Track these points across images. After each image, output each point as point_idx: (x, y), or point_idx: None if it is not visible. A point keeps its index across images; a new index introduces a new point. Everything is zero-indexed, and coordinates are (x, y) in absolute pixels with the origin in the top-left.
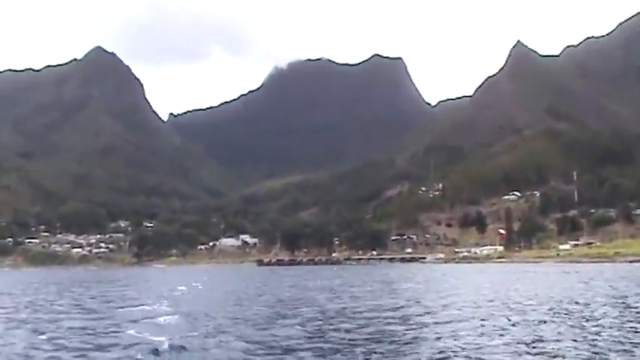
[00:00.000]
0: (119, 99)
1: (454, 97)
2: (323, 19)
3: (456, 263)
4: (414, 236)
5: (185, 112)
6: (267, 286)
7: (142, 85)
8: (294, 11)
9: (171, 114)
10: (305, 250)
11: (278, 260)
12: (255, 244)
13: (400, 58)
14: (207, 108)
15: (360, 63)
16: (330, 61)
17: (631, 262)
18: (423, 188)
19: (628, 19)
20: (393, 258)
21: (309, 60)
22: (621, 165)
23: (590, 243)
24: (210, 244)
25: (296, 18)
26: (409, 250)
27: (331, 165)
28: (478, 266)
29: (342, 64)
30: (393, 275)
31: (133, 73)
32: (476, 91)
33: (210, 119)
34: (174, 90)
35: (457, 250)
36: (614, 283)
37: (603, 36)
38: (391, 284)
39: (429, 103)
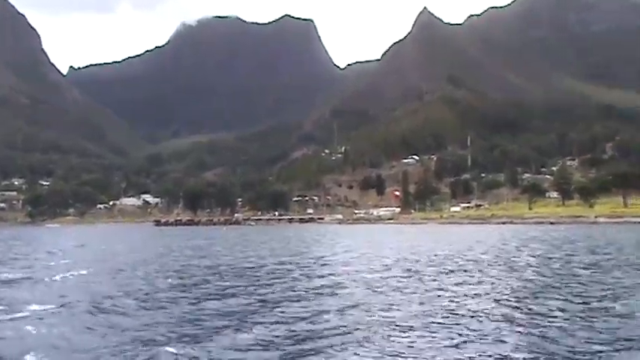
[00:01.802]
0: (13, 49)
1: (363, 61)
2: None
3: (349, 224)
4: (315, 198)
5: (87, 66)
6: (137, 247)
7: (38, 35)
8: None
9: (71, 67)
10: (208, 210)
11: (176, 220)
12: (157, 204)
13: (311, 20)
14: (110, 62)
15: (270, 22)
16: (239, 19)
17: (503, 223)
18: (327, 151)
19: None
20: (292, 219)
21: (219, 17)
22: (515, 132)
23: (480, 205)
24: (110, 203)
25: None
26: (310, 211)
27: (240, 126)
28: (368, 227)
29: (252, 23)
30: (271, 235)
31: (28, 22)
32: (383, 55)
33: (114, 74)
34: (74, 42)
35: (356, 211)
36: (455, 242)
37: (504, 7)
38: (258, 243)
39: (338, 66)
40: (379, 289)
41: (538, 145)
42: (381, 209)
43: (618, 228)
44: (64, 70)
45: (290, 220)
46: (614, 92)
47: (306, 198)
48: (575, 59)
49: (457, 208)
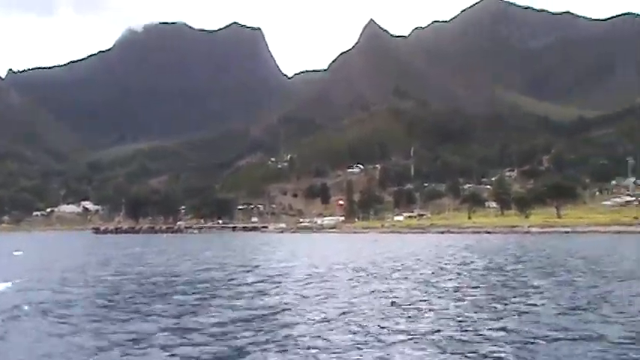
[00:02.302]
0: None
1: (310, 70)
2: None
3: (292, 233)
4: (260, 206)
5: (27, 70)
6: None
7: None
8: None
9: (10, 70)
10: (150, 218)
11: (116, 228)
12: (97, 211)
13: (259, 28)
14: (52, 66)
15: (218, 30)
16: (186, 25)
17: (442, 232)
18: (273, 159)
19: (470, 7)
20: (235, 227)
21: (165, 23)
22: (458, 143)
23: (422, 215)
24: (48, 210)
25: None
26: (255, 219)
27: (186, 133)
28: (310, 236)
29: (200, 30)
30: (210, 244)
31: None
32: (330, 65)
33: (56, 78)
34: (14, 45)
35: (301, 220)
36: (387, 250)
37: (449, 20)
38: (193, 253)
39: (286, 75)
40: (299, 296)
41: (480, 156)
42: (326, 218)
43: (547, 237)
44: (2, 73)
45: (233, 229)
46: (551, 105)
47: (251, 206)
48: (515, 72)
49: (400, 218)
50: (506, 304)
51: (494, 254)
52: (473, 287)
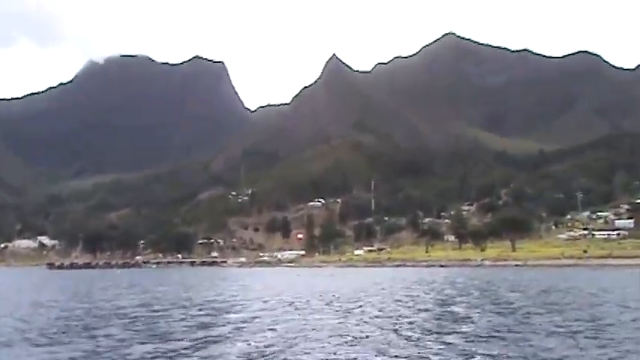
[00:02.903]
0: None
1: (273, 104)
2: (141, 16)
3: (250, 267)
4: (221, 240)
5: None
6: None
7: None
8: (109, 3)
9: None
10: (108, 253)
11: (72, 264)
12: (54, 246)
13: (222, 62)
14: (9, 99)
15: (180, 63)
16: (149, 58)
17: (397, 266)
18: (234, 193)
19: (431, 43)
20: (194, 262)
21: (127, 56)
22: (419, 177)
23: (382, 249)
24: (2, 245)
25: (111, 10)
26: (215, 254)
27: (147, 166)
28: (268, 270)
29: (163, 63)
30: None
31: None
32: (293, 99)
33: (13, 111)
34: None
35: (261, 254)
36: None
37: (410, 56)
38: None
39: (248, 108)
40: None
41: (440, 190)
42: (286, 252)
43: (498, 270)
44: None
45: (192, 263)
46: (510, 140)
47: (212, 241)
48: (475, 108)
49: (360, 252)
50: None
51: (434, 285)
52: (396, 316)
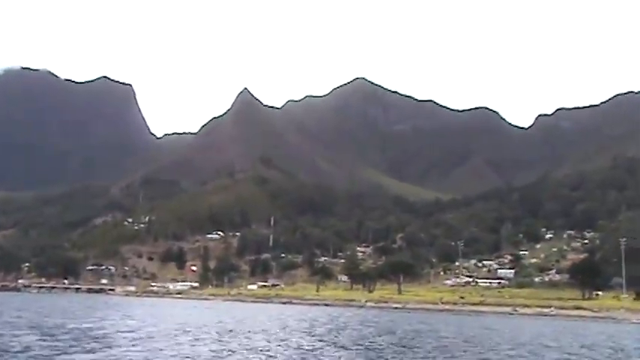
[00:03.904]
0: None
1: (180, 132)
2: (47, 29)
3: (137, 297)
4: (112, 267)
5: None
6: None
7: None
8: (13, 13)
9: None
10: None
11: None
12: None
13: (130, 85)
14: None
15: (86, 82)
16: (51, 73)
17: (284, 303)
18: (130, 219)
19: (342, 85)
20: (80, 288)
21: (28, 69)
22: (319, 216)
23: (276, 285)
24: None
25: (15, 20)
26: (104, 281)
27: (42, 186)
28: (154, 300)
29: (66, 80)
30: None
31: None
32: (201, 129)
33: None
34: None
35: (153, 284)
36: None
37: (321, 96)
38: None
39: (154, 135)
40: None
41: (339, 230)
42: (179, 283)
43: (377, 312)
44: None
45: (77, 290)
46: (410, 186)
47: (102, 267)
48: (379, 152)
49: (253, 287)
50: None
51: (299, 324)
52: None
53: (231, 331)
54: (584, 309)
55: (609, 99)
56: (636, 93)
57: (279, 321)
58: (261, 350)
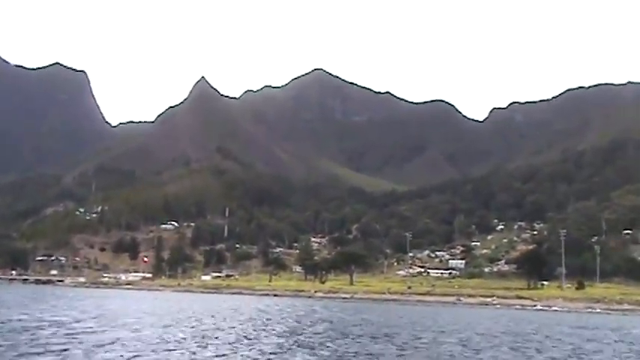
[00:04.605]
0: None
1: (136, 121)
2: None
3: (86, 288)
4: (63, 258)
5: None
6: None
7: None
8: None
9: None
10: None
11: None
12: None
13: (83, 71)
14: None
15: (38, 68)
16: (2, 59)
17: (233, 293)
18: (82, 209)
19: (301, 76)
20: (27, 279)
21: None
22: (275, 207)
23: (230, 275)
24: None
25: None
26: (54, 272)
27: None
28: (103, 291)
29: (17, 66)
30: None
31: None
32: (157, 118)
33: None
34: None
35: (105, 275)
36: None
37: (280, 87)
38: None
39: (109, 123)
40: None
41: (295, 221)
42: (131, 274)
43: (325, 302)
44: None
45: (24, 281)
46: (367, 177)
47: (52, 258)
48: (335, 144)
49: (207, 277)
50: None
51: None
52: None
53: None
54: (525, 298)
55: (560, 94)
56: (586, 88)
57: (209, 311)
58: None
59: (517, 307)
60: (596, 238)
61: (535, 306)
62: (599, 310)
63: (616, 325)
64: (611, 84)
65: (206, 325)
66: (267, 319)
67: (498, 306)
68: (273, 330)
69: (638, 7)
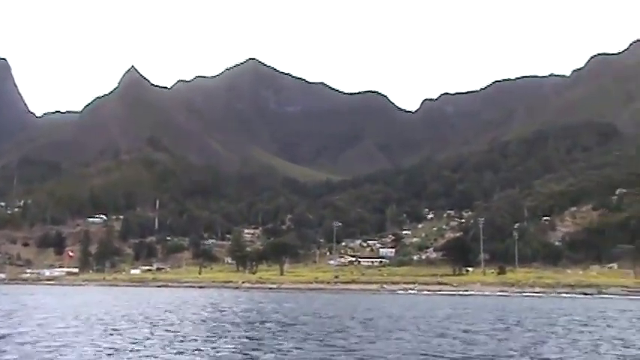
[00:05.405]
0: None
1: (63, 111)
2: None
3: (5, 284)
4: None
5: None
6: None
7: None
8: None
9: None
10: None
11: None
12: None
13: (4, 59)
14: None
15: None
16: None
17: (159, 286)
18: (2, 204)
19: (234, 66)
20: None
21: None
22: (208, 198)
23: (161, 268)
24: None
25: None
26: None
27: None
28: (24, 288)
29: None
30: None
31: None
32: (84, 108)
33: None
34: None
35: (29, 271)
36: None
37: (212, 77)
38: None
39: (33, 113)
40: None
41: (228, 212)
42: (57, 269)
43: (252, 293)
44: None
45: None
46: (302, 168)
47: None
48: (269, 134)
49: (137, 271)
50: None
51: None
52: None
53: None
54: (445, 284)
55: (488, 85)
56: (512, 80)
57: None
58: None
59: (439, 292)
60: (518, 224)
61: (455, 291)
62: (508, 294)
63: (515, 307)
64: (535, 76)
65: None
66: (166, 311)
67: (417, 292)
68: (145, 322)
69: (560, 2)
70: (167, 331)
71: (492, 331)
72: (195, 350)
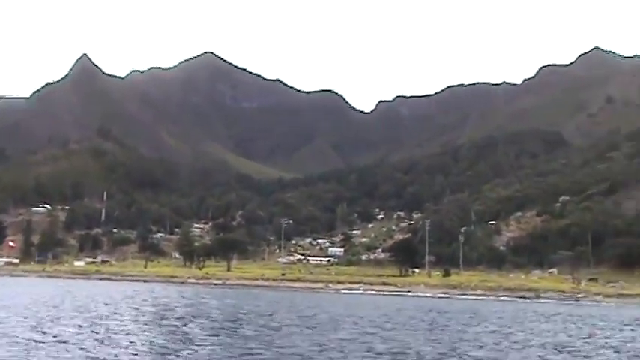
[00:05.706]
0: None
1: (9, 97)
2: None
3: None
4: None
5: None
6: None
7: None
8: None
9: None
10: None
11: None
12: None
13: None
14: None
15: None
16: None
17: (101, 279)
18: None
19: (190, 59)
20: None
21: None
22: (158, 191)
23: (106, 261)
24: None
25: None
26: None
27: None
28: None
29: None
30: None
31: None
32: (33, 94)
33: None
34: None
35: None
36: None
37: (167, 69)
38: None
39: None
40: None
41: (178, 206)
42: None
43: (197, 288)
44: None
45: None
46: (255, 164)
47: None
48: (224, 129)
49: (81, 263)
50: None
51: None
52: None
53: None
54: (390, 284)
55: (443, 89)
56: (465, 86)
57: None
58: None
59: (383, 292)
60: (465, 228)
61: (399, 292)
62: (450, 295)
63: (451, 308)
64: (488, 83)
65: None
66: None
67: (362, 292)
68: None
69: (515, 12)
70: (94, 324)
71: (407, 328)
72: (115, 343)
